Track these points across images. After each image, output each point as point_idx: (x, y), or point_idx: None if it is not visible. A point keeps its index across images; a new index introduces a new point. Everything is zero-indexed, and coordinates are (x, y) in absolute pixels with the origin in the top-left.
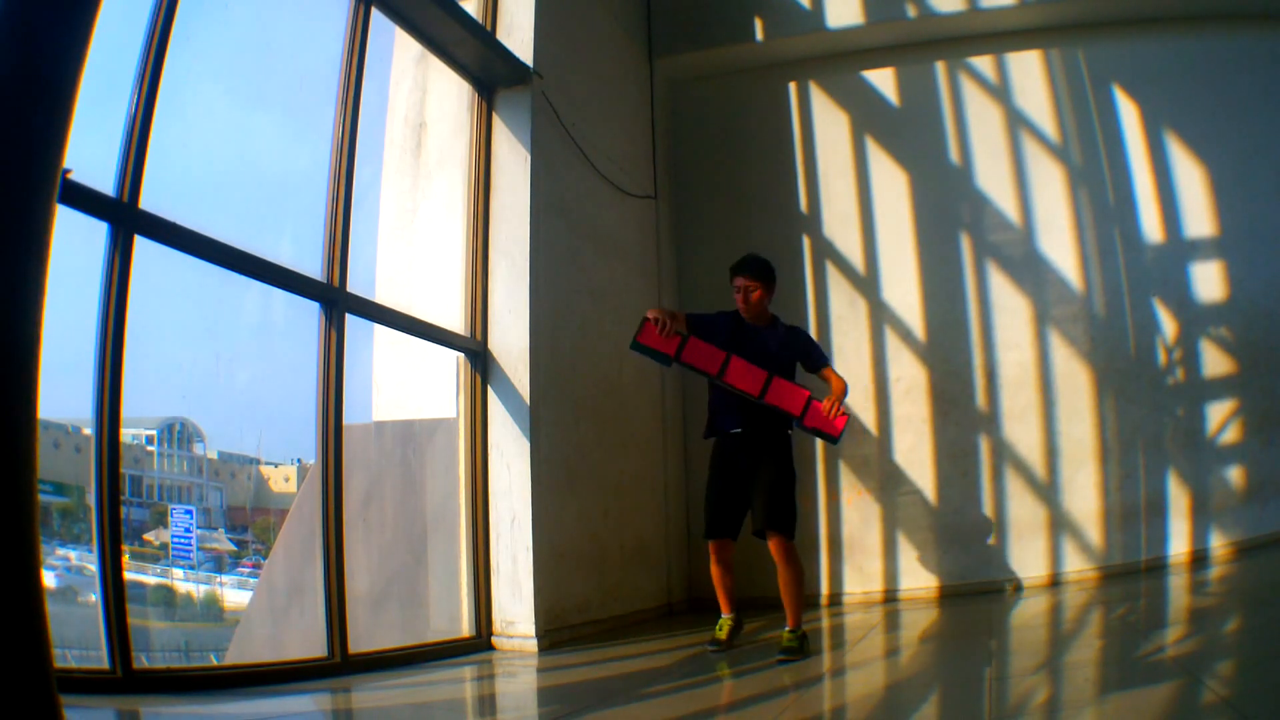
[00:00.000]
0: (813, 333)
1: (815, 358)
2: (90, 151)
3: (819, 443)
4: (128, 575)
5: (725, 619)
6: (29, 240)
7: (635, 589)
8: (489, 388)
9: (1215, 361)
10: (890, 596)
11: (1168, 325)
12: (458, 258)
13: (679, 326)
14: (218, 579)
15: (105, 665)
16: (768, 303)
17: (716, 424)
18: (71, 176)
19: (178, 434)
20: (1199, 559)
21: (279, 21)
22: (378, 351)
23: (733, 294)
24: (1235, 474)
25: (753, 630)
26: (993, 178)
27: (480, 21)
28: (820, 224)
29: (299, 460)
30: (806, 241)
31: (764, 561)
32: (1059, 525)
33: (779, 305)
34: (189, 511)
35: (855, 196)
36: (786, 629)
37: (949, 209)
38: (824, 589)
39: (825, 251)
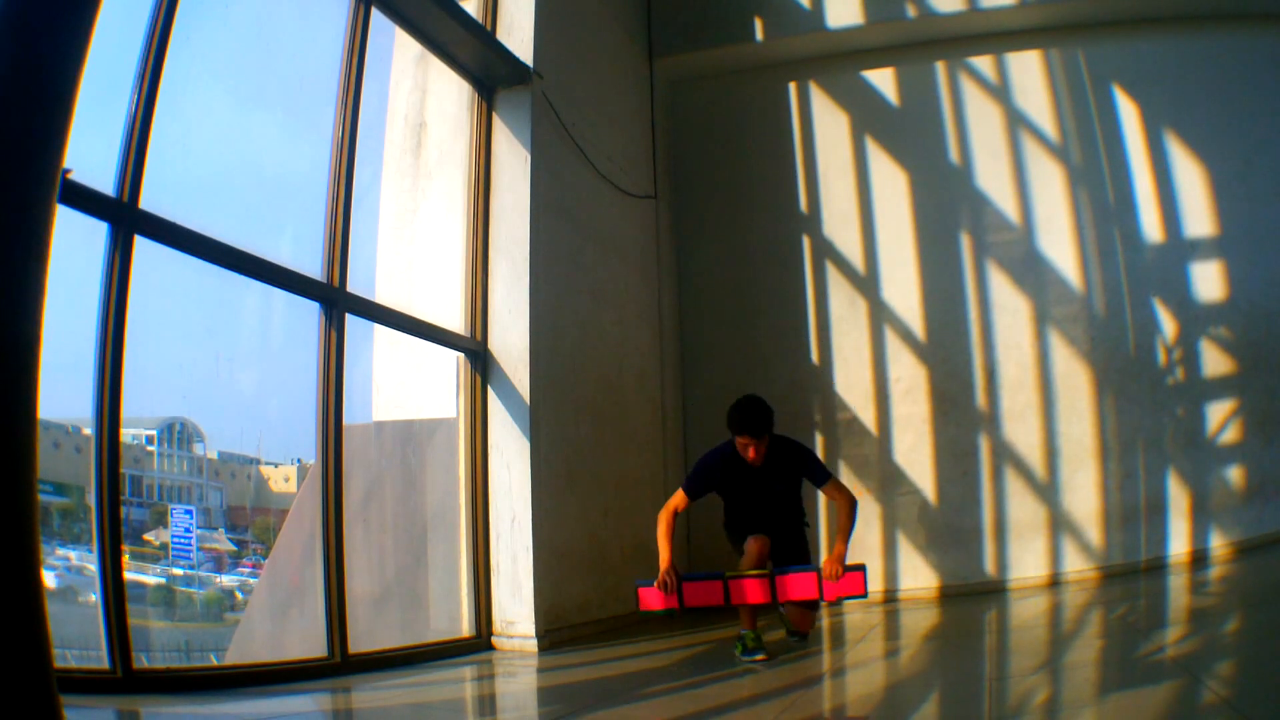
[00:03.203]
0: (812, 333)
1: (817, 476)
2: (90, 151)
3: (818, 442)
4: (127, 575)
5: (749, 633)
6: (29, 240)
7: (635, 589)
8: (489, 388)
9: (1215, 361)
10: (890, 596)
11: (1168, 325)
12: (458, 258)
13: (672, 579)
14: (218, 579)
15: (105, 665)
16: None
17: (735, 528)
18: (71, 176)
19: (178, 434)
20: (1199, 559)
21: (279, 21)
22: (378, 351)
23: (735, 440)
24: (1235, 474)
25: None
26: (993, 178)
27: (480, 21)
28: (820, 224)
29: (299, 460)
30: (806, 241)
31: None
32: (1059, 525)
33: (781, 306)
34: (189, 511)
35: (855, 196)
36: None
37: (949, 209)
38: None
39: (825, 251)
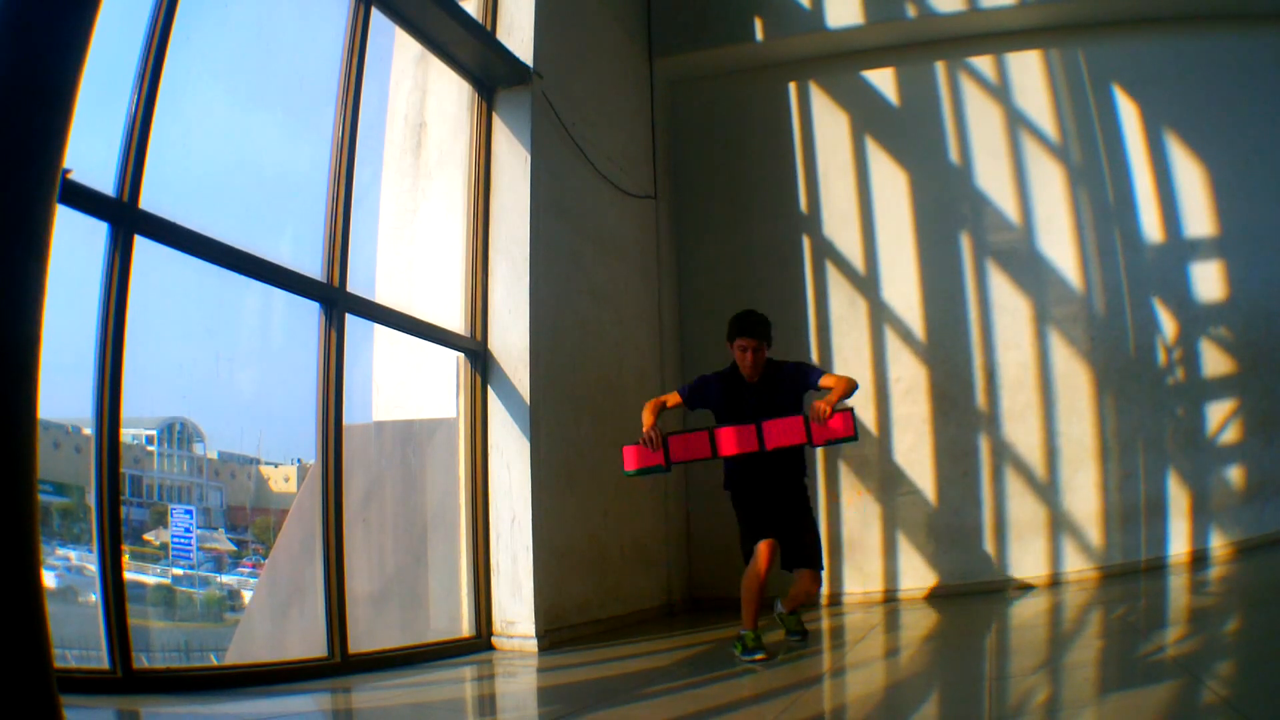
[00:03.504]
0: (812, 333)
1: (810, 378)
2: (90, 151)
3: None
4: (127, 575)
5: (749, 633)
6: (29, 240)
7: (635, 589)
8: (489, 388)
9: (1215, 361)
10: (890, 596)
11: (1168, 325)
12: (458, 258)
13: (656, 434)
14: (218, 579)
15: (105, 665)
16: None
17: (736, 480)
18: (71, 176)
19: (178, 434)
20: (1199, 559)
21: (279, 21)
22: (378, 351)
23: (732, 352)
24: (1235, 474)
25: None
26: (993, 178)
27: (480, 21)
28: (820, 224)
29: (299, 460)
30: (806, 241)
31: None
32: (1059, 525)
33: (781, 305)
34: (189, 511)
35: (855, 196)
36: (787, 612)
37: (949, 209)
38: (824, 589)
39: (825, 251)
